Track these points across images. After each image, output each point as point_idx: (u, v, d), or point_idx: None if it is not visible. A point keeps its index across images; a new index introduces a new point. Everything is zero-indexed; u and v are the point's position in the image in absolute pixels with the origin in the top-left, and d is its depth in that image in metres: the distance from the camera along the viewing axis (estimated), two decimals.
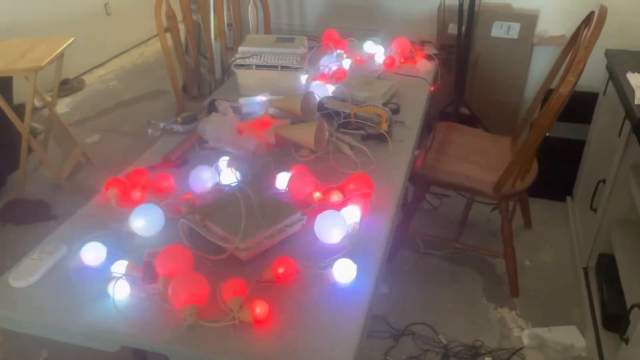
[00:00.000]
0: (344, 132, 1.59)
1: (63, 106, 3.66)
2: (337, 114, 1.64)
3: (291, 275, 1.04)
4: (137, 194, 1.27)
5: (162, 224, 1.18)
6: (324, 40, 2.25)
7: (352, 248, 1.12)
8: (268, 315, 0.96)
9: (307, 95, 1.66)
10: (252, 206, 1.14)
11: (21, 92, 2.61)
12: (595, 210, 1.96)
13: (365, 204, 1.22)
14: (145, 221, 1.16)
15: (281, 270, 1.03)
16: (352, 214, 1.19)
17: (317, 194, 1.26)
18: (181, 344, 0.91)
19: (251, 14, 2.45)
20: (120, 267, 1.04)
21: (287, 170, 1.34)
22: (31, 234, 2.40)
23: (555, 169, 2.42)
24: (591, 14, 1.74)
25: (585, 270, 2.04)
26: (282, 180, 1.32)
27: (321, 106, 1.69)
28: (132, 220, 1.15)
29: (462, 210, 2.40)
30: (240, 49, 1.84)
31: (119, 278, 1.00)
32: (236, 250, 1.07)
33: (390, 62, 2.08)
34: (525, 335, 1.88)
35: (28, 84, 2.39)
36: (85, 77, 4.09)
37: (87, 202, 1.29)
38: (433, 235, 2.19)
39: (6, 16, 3.31)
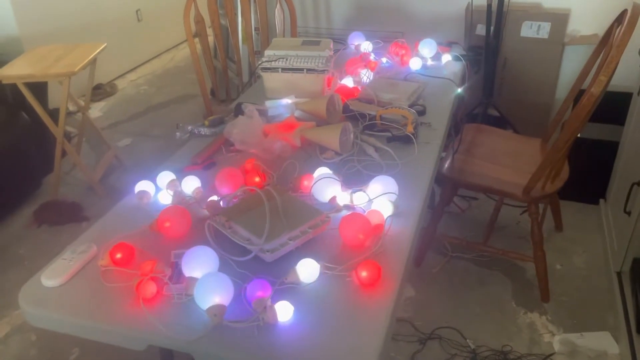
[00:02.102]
0: (369, 134, 1.58)
1: (96, 110, 3.76)
2: (363, 116, 1.64)
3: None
4: (165, 195, 1.29)
5: (188, 225, 1.20)
6: (349, 43, 2.26)
7: (376, 250, 1.12)
8: (292, 317, 0.96)
9: (333, 98, 1.66)
10: (277, 208, 1.15)
11: (56, 97, 2.69)
12: (629, 214, 1.90)
13: (390, 206, 1.21)
14: (172, 223, 1.17)
15: (306, 271, 1.03)
16: (377, 216, 1.18)
17: (341, 196, 1.26)
18: (206, 344, 0.92)
19: (278, 18, 2.47)
20: (147, 266, 1.06)
21: (312, 172, 1.35)
22: (64, 234, 2.47)
23: (588, 171, 2.37)
24: (624, 12, 1.69)
25: (619, 274, 1.99)
26: (307, 183, 1.32)
27: (346, 108, 1.69)
28: (160, 222, 1.17)
29: (491, 213, 2.36)
30: (266, 52, 1.86)
31: (146, 278, 1.02)
32: (261, 252, 1.08)
33: (416, 64, 2.07)
34: (556, 340, 1.84)
35: (62, 88, 2.46)
36: (118, 82, 4.18)
37: (117, 203, 1.32)
38: (461, 238, 2.16)
39: (41, 24, 3.41)
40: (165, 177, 1.34)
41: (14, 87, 2.44)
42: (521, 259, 2.04)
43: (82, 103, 2.89)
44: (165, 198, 1.30)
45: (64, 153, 2.62)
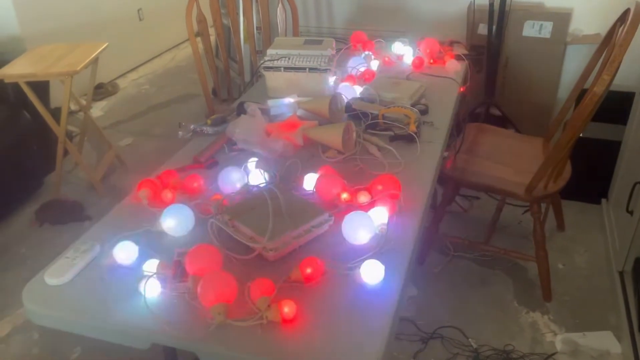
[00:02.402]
0: (371, 133, 1.58)
1: (97, 110, 3.76)
2: (365, 115, 1.64)
3: (318, 275, 1.04)
4: (167, 195, 1.29)
5: (192, 224, 1.20)
6: (351, 42, 2.25)
7: (379, 249, 1.11)
8: (296, 315, 0.96)
9: (335, 97, 1.66)
10: (280, 207, 1.14)
11: (57, 96, 2.69)
12: (631, 213, 1.90)
13: (393, 205, 1.21)
14: (175, 221, 1.17)
15: (309, 270, 1.03)
16: (380, 215, 1.18)
17: (344, 195, 1.26)
18: (210, 342, 0.92)
19: (280, 17, 2.47)
20: (151, 265, 1.06)
21: (314, 171, 1.35)
22: (66, 233, 2.47)
23: (590, 170, 2.36)
24: (627, 11, 1.69)
25: (621, 274, 1.99)
26: (309, 181, 1.32)
27: (349, 107, 1.69)
28: (163, 220, 1.17)
29: (493, 213, 2.36)
30: (269, 51, 1.86)
31: (150, 276, 1.02)
32: (264, 250, 1.08)
33: (418, 63, 2.07)
34: (558, 340, 1.84)
35: (64, 88, 2.45)
36: (119, 81, 4.18)
37: (120, 202, 1.32)
38: (463, 237, 2.16)
39: (43, 23, 3.41)
40: (169, 175, 1.34)
41: (15, 86, 2.44)
42: (523, 258, 2.04)
43: (83, 102, 2.89)
44: (168, 197, 1.30)
45: (65, 152, 2.62)
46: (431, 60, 2.12)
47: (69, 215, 2.56)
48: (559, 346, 1.81)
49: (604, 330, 1.86)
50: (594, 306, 1.98)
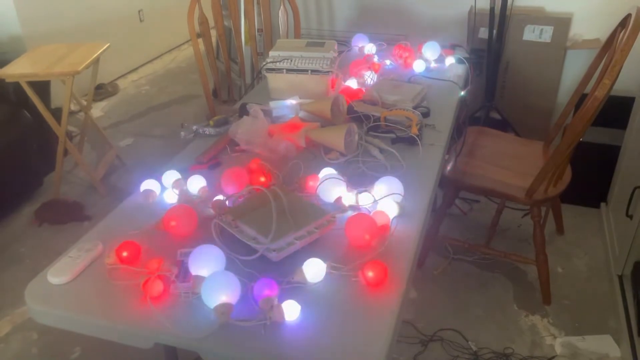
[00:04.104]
0: (373, 136, 1.59)
1: (98, 110, 3.76)
2: (367, 117, 1.64)
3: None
4: (171, 195, 1.30)
5: (195, 224, 1.20)
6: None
7: (382, 251, 1.12)
8: (299, 316, 0.96)
9: (337, 99, 1.67)
10: (283, 208, 1.15)
11: (58, 96, 2.69)
12: (631, 217, 1.91)
13: (395, 207, 1.22)
14: (178, 222, 1.17)
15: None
16: (383, 216, 1.18)
17: (347, 197, 1.26)
18: (213, 342, 0.92)
19: (281, 19, 2.47)
20: (154, 265, 1.06)
21: (317, 172, 1.35)
22: (66, 233, 2.47)
23: (589, 174, 2.37)
24: (627, 16, 1.70)
25: (621, 278, 1.99)
26: (312, 183, 1.32)
27: (351, 109, 1.69)
28: (166, 221, 1.18)
29: (493, 216, 2.36)
30: (271, 53, 1.86)
31: (153, 276, 1.02)
32: (267, 251, 1.08)
33: (420, 66, 2.07)
34: (557, 343, 1.84)
35: (65, 88, 2.45)
36: (119, 82, 4.18)
37: (121, 202, 1.32)
38: (463, 240, 2.16)
39: (44, 23, 3.41)
40: (171, 176, 1.34)
41: (17, 85, 2.44)
42: (523, 261, 2.04)
43: (84, 102, 2.89)
44: (170, 197, 1.31)
45: (65, 152, 2.62)
46: (432, 64, 2.12)
47: (68, 215, 2.56)
48: (558, 349, 1.82)
49: (603, 334, 1.86)
50: (593, 310, 1.98)
